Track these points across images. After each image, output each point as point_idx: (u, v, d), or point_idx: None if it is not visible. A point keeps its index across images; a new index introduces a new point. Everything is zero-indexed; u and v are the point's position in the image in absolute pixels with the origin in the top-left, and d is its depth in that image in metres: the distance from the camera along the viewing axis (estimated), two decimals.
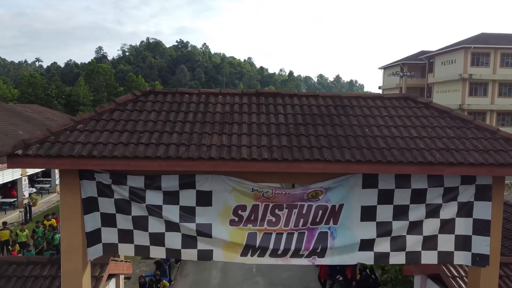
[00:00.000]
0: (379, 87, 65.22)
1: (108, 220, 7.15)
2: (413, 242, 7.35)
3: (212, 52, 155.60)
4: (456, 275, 7.99)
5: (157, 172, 6.80)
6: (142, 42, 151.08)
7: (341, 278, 16.27)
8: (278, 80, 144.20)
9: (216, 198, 7.07)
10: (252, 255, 7.40)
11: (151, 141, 6.56)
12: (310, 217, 7.22)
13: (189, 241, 7.25)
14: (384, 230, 7.26)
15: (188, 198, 7.05)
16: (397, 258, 7.46)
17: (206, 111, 7.49)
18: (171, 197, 7.03)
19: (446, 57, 49.60)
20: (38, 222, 19.79)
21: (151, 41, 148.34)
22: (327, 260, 7.48)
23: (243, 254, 7.38)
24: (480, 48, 46.13)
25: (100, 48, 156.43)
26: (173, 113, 7.34)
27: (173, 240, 7.24)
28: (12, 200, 26.69)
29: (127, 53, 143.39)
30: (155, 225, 7.15)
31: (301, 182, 7.07)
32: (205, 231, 7.14)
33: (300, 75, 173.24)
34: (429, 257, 7.44)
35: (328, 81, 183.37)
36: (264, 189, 6.99)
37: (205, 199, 7.07)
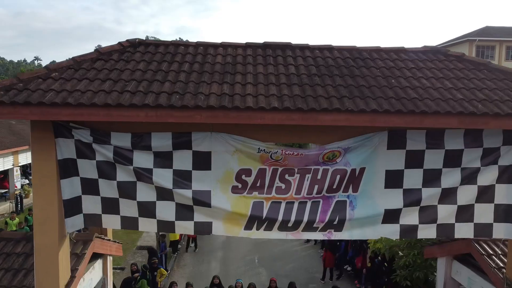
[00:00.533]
0: None
1: (90, 187, 6.10)
2: (446, 213, 6.31)
3: None
4: (492, 253, 6.95)
5: (146, 128, 5.77)
6: None
7: (349, 268, 15.23)
8: None
9: (216, 160, 6.03)
10: (258, 228, 6.35)
11: (138, 89, 5.51)
12: (325, 183, 6.18)
13: (184, 211, 6.20)
14: (412, 199, 6.21)
15: (183, 160, 6.01)
16: (426, 232, 6.43)
17: (204, 61, 6.43)
18: (163, 159, 5.99)
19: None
20: (30, 211, 18.83)
21: (150, 39, 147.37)
22: (346, 234, 6.43)
23: (248, 227, 6.33)
24: (485, 41, 45.27)
25: (99, 46, 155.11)
26: (166, 63, 6.29)
27: (166, 210, 6.19)
28: (3, 191, 25.66)
29: None
30: (145, 193, 6.10)
31: (316, 141, 6.04)
32: (203, 200, 6.10)
33: None
34: (464, 230, 6.40)
35: None
36: (272, 150, 5.94)
37: (203, 161, 6.02)
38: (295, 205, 6.24)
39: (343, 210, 6.26)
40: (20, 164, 26.73)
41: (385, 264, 12.31)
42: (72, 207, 6.08)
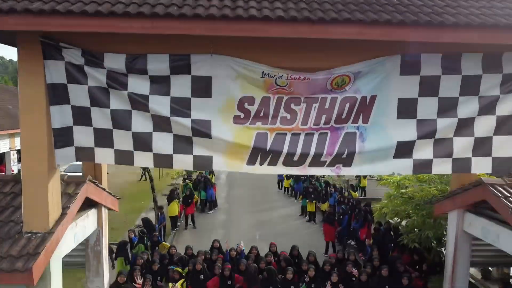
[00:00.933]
0: None
1: (81, 116, 5.70)
2: (462, 146, 5.92)
3: None
4: (508, 195, 6.55)
5: (142, 49, 5.38)
6: None
7: (352, 243, 14.82)
8: None
9: (216, 86, 5.62)
10: (261, 163, 5.95)
11: (133, 1, 5.10)
12: (334, 113, 5.78)
13: (182, 144, 5.80)
14: (426, 130, 5.82)
15: (181, 86, 5.60)
16: (441, 167, 6.04)
17: None
18: (160, 85, 5.58)
19: None
20: None
21: None
22: (355, 170, 6.04)
23: (250, 161, 5.94)
24: None
25: None
26: None
27: (163, 142, 5.79)
28: None
29: None
30: (140, 123, 5.71)
31: (324, 66, 5.62)
32: (202, 130, 5.69)
33: None
34: (481, 165, 6.02)
35: None
36: (277, 73, 5.54)
37: (202, 88, 5.62)
38: (301, 137, 5.85)
39: (353, 143, 5.87)
40: (17, 148, 26.25)
41: (391, 233, 11.90)
42: (62, 137, 5.68)
